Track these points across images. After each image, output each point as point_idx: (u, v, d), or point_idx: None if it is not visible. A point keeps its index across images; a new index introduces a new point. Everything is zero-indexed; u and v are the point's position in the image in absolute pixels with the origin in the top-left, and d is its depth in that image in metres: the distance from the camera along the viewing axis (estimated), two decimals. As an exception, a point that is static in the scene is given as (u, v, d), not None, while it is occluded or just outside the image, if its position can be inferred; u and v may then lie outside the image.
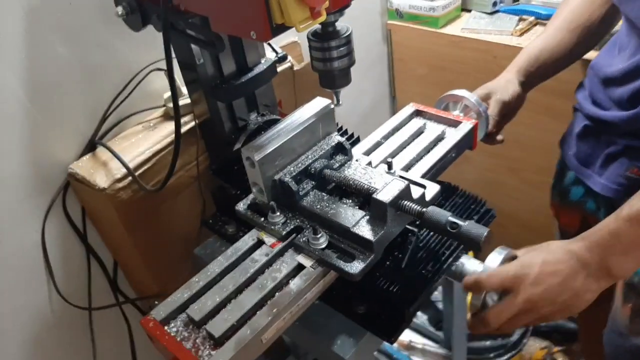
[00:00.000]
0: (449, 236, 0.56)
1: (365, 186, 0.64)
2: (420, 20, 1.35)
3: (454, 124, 0.84)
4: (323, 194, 0.67)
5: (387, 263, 0.70)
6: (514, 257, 0.64)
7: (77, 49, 0.81)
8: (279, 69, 1.04)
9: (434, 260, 0.70)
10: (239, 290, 0.61)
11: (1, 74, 0.74)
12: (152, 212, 0.89)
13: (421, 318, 1.30)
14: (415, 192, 0.64)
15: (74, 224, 0.89)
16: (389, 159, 0.71)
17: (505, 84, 0.91)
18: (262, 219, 0.68)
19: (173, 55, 0.76)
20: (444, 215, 0.57)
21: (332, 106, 0.71)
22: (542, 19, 1.26)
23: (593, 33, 0.91)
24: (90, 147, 0.86)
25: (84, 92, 0.84)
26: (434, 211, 0.57)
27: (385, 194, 0.60)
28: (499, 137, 0.93)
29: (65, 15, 0.78)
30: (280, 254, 0.64)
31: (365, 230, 0.60)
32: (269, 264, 0.64)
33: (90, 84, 0.85)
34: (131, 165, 0.82)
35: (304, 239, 0.64)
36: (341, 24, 0.65)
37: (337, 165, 0.70)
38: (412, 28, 1.37)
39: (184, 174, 0.91)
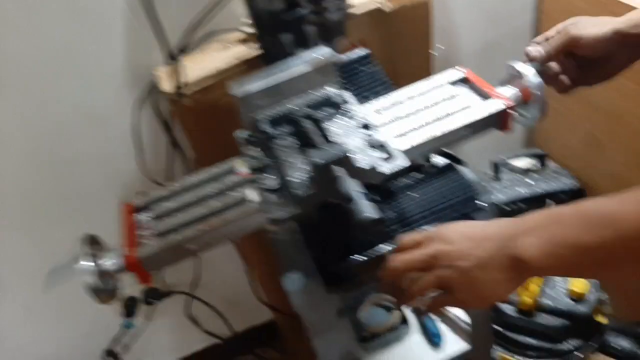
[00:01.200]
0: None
1: (318, 143, 0.66)
2: (574, -33, 1.12)
3: (489, 98, 0.75)
4: (297, 142, 0.71)
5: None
6: None
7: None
8: (364, 10, 1.02)
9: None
10: (196, 202, 0.72)
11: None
12: (211, 122, 1.03)
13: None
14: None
15: (162, 116, 1.10)
16: (366, 121, 0.69)
17: (591, 21, 0.74)
18: (247, 148, 0.75)
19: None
20: (348, 185, 0.56)
21: (334, 59, 0.72)
22: None
23: None
24: (174, 56, 1.03)
25: (176, 9, 0.99)
26: (345, 180, 0.57)
27: (322, 156, 0.61)
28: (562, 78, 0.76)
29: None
30: (241, 184, 0.72)
31: (299, 186, 0.63)
32: (230, 188, 0.72)
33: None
34: (194, 78, 0.96)
35: (262, 177, 0.70)
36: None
37: (322, 117, 0.72)
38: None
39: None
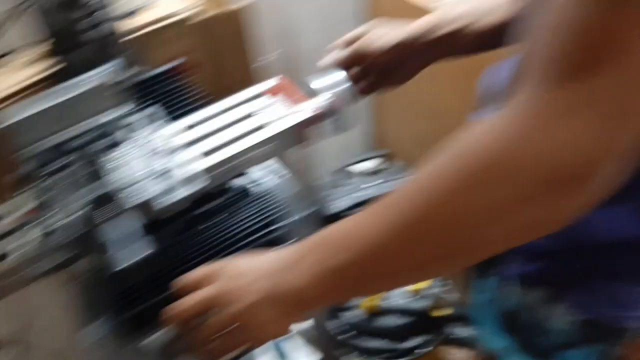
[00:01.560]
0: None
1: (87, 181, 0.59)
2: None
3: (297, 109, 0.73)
4: (73, 178, 0.62)
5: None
6: None
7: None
8: (178, 17, 0.96)
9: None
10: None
11: None
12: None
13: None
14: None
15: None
16: (159, 145, 0.63)
17: (380, 31, 0.74)
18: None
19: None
20: (106, 231, 0.50)
21: (111, 79, 0.65)
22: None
23: None
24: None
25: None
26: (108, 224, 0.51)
27: (83, 196, 0.54)
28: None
29: None
30: (23, 224, 0.62)
31: (63, 229, 0.56)
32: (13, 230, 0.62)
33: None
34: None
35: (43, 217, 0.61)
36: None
37: (99, 148, 0.64)
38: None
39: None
